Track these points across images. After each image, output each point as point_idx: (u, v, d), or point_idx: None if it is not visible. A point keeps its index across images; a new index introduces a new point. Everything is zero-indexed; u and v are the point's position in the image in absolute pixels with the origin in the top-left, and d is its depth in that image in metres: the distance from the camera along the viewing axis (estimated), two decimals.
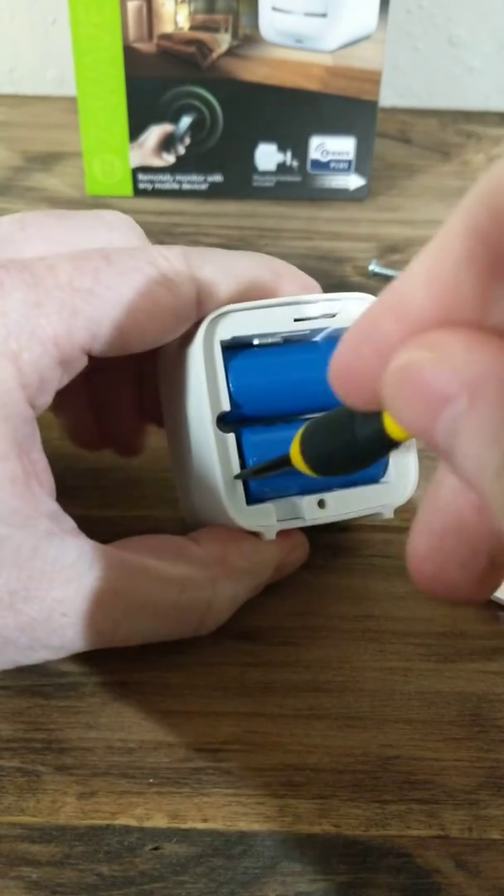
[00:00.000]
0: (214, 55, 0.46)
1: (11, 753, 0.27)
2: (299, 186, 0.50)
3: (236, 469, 0.28)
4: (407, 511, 0.34)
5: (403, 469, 0.30)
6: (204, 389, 0.27)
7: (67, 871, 0.25)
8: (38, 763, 0.27)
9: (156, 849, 0.25)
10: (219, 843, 0.25)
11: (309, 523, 0.29)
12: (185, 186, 0.50)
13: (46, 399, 0.26)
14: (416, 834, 0.26)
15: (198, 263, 0.27)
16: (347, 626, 0.30)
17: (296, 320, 0.28)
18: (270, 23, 0.45)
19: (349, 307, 0.29)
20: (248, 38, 0.45)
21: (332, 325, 0.29)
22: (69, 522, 0.26)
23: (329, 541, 0.33)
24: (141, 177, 0.50)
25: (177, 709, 0.28)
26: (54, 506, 0.26)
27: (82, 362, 0.26)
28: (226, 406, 0.27)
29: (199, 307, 0.27)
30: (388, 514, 0.30)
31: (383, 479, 0.30)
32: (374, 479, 0.30)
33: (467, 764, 0.27)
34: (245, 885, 0.25)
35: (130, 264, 0.26)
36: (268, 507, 0.29)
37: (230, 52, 0.46)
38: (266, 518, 0.29)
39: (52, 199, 0.50)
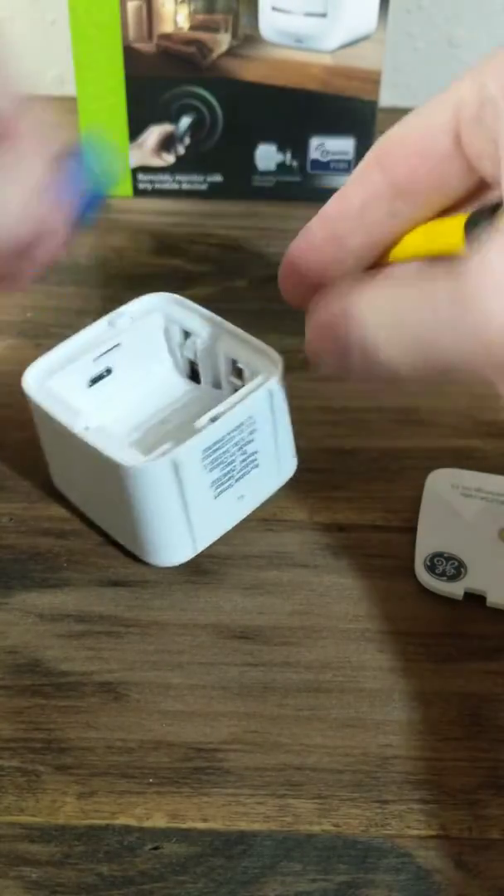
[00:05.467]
0: (214, 55, 0.46)
1: (11, 753, 0.27)
2: (299, 186, 0.50)
3: None
4: (407, 511, 0.34)
5: None
6: None
7: (67, 871, 0.25)
8: (37, 763, 0.27)
9: (156, 849, 0.25)
10: (219, 843, 0.25)
11: None
12: (185, 186, 0.50)
13: None
14: (416, 834, 0.26)
15: None
16: (347, 626, 0.30)
17: None
18: (270, 23, 0.45)
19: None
20: (247, 38, 0.45)
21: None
22: None
23: (329, 541, 0.33)
24: (141, 177, 0.50)
25: (177, 709, 0.28)
26: None
27: None
28: None
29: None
30: None
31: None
32: None
33: (467, 764, 0.27)
34: (245, 885, 0.25)
35: None
36: None
37: (230, 52, 0.46)
38: None
39: None
